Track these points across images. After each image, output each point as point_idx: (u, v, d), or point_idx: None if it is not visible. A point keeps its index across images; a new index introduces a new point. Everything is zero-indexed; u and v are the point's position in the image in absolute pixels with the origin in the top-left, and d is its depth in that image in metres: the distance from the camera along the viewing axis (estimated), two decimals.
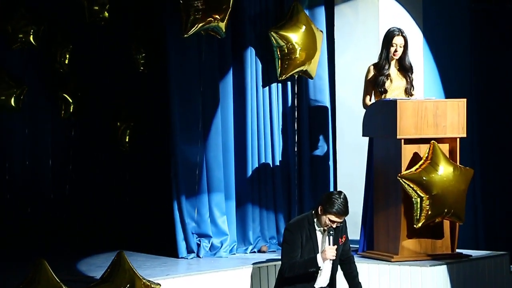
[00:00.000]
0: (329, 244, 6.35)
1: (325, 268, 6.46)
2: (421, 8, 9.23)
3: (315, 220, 6.44)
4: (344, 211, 6.35)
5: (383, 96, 8.03)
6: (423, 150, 7.63)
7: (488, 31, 10.08)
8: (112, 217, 10.02)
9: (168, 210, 8.36)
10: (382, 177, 7.82)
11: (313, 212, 6.48)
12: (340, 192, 6.42)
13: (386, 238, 7.73)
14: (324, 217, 6.36)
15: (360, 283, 6.72)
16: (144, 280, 6.47)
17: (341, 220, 6.39)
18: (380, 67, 8.02)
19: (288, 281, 6.48)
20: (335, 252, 6.37)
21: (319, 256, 6.34)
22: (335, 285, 6.59)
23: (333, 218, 6.36)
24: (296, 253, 6.39)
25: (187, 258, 8.18)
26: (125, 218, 10.04)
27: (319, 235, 6.46)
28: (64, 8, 9.82)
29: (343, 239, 6.53)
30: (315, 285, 6.49)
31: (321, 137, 9.11)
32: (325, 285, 6.52)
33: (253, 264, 7.71)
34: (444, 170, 7.48)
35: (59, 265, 6.58)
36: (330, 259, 6.36)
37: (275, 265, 7.73)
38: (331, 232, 6.37)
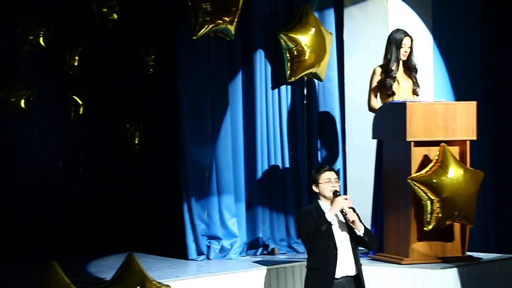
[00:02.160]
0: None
1: (345, 247, 6.40)
2: (431, 10, 9.21)
3: (320, 205, 6.47)
4: (324, 166, 6.64)
5: (390, 99, 8.03)
6: (433, 152, 7.61)
7: (499, 33, 10.06)
8: (122, 219, 10.02)
9: (178, 212, 8.36)
10: (392, 180, 7.81)
11: (316, 201, 6.52)
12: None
13: (396, 241, 7.72)
14: (322, 185, 6.46)
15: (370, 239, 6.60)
16: (154, 282, 6.48)
17: (334, 176, 6.48)
18: (389, 70, 8.02)
19: (312, 265, 6.47)
20: (347, 200, 6.37)
21: (327, 213, 6.37)
22: (362, 277, 6.53)
23: (328, 176, 6.47)
24: (308, 222, 6.41)
25: (197, 260, 8.18)
26: (135, 220, 10.05)
27: (328, 217, 6.44)
28: (74, 10, 9.85)
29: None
30: (337, 271, 6.40)
31: (330, 139, 9.10)
32: (350, 273, 6.45)
33: (263, 266, 7.70)
34: (454, 173, 7.47)
35: (69, 267, 6.57)
36: (344, 210, 6.34)
37: (284, 267, 7.72)
38: (337, 193, 6.42)
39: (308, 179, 8.77)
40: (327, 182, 6.45)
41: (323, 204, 6.46)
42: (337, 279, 6.40)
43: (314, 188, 6.52)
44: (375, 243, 6.64)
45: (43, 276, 6.19)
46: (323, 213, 6.41)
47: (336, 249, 6.37)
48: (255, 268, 7.64)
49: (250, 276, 7.54)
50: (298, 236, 6.70)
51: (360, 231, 6.42)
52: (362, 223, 6.47)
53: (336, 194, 6.41)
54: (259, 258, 8.30)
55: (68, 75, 9.97)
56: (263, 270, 7.61)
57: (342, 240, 6.41)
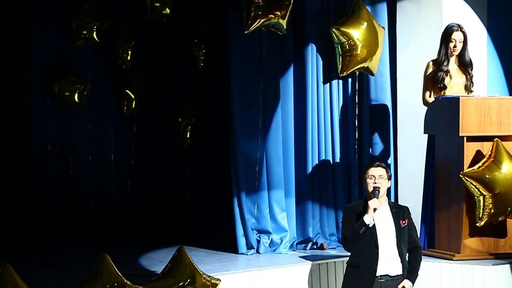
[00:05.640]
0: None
1: (388, 246, 6.37)
2: (486, 3, 9.10)
3: (367, 200, 6.46)
4: (374, 162, 6.63)
5: (442, 93, 7.97)
6: (486, 148, 7.54)
7: None
8: (173, 213, 10.09)
9: (228, 206, 8.40)
10: (444, 175, 7.75)
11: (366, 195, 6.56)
12: None
13: (447, 237, 7.66)
14: (366, 181, 6.50)
15: (415, 269, 6.58)
16: (204, 275, 6.52)
17: (378, 172, 6.47)
18: (439, 64, 7.98)
19: (353, 263, 6.46)
20: (378, 202, 6.38)
21: (365, 216, 6.37)
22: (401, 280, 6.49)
23: (371, 172, 6.49)
24: (349, 225, 6.45)
25: (246, 254, 8.21)
26: (185, 214, 10.11)
27: (366, 220, 6.41)
28: (127, 5, 9.93)
29: (406, 222, 6.49)
30: (378, 270, 6.37)
31: (381, 134, 9.05)
32: (391, 273, 6.41)
33: (312, 261, 7.70)
34: (508, 168, 7.39)
35: (121, 259, 6.65)
36: (374, 208, 6.35)
37: (334, 262, 7.72)
38: (377, 190, 6.44)
39: (360, 175, 8.77)
40: (370, 178, 6.47)
41: (369, 199, 6.46)
42: (376, 277, 6.37)
43: (364, 183, 6.58)
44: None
45: (95, 268, 6.26)
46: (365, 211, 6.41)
47: (377, 247, 6.35)
48: (304, 263, 7.65)
49: (299, 270, 7.55)
50: None
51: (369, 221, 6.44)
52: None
53: (375, 190, 6.40)
54: (308, 253, 8.30)
55: (121, 69, 10.05)
56: (312, 264, 7.61)
57: (385, 238, 6.38)
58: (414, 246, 6.62)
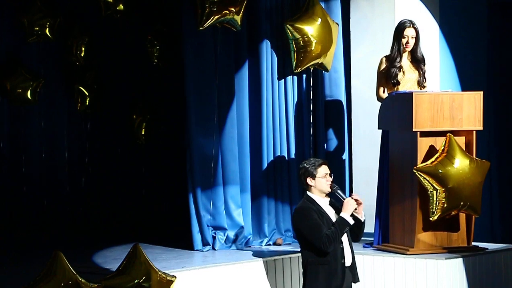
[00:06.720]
0: (344, 199, 6.36)
1: (346, 239, 6.43)
2: (438, 1, 9.19)
3: (314, 199, 6.43)
4: (319, 160, 6.54)
5: (395, 88, 8.02)
6: (439, 143, 7.60)
7: (506, 24, 10.03)
8: (128, 210, 10.05)
9: (184, 203, 8.38)
10: (398, 170, 7.80)
11: (306, 194, 6.47)
12: (304, 161, 6.60)
13: (401, 231, 7.72)
14: (319, 179, 6.41)
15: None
16: (159, 273, 6.49)
17: (329, 170, 6.44)
18: (392, 60, 8.02)
19: (320, 261, 6.43)
20: (354, 201, 6.39)
21: (343, 214, 6.34)
22: (356, 267, 6.55)
23: (325, 170, 6.44)
24: (321, 225, 6.35)
25: (202, 251, 8.20)
26: (141, 211, 10.08)
27: (326, 209, 6.44)
28: (80, 1, 9.86)
29: None
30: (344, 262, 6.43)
31: (336, 130, 9.09)
32: (348, 264, 6.46)
33: (268, 256, 7.72)
34: (460, 163, 7.46)
35: (75, 257, 6.59)
36: (355, 209, 6.35)
37: (290, 257, 7.73)
38: (335, 188, 6.40)
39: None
40: (325, 176, 6.42)
41: (316, 197, 6.43)
42: (346, 269, 6.41)
43: (309, 181, 6.45)
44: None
45: (49, 266, 6.20)
46: (322, 209, 6.41)
47: (341, 242, 6.39)
48: (259, 259, 7.66)
49: (254, 266, 7.55)
50: (297, 236, 6.64)
51: (363, 217, 6.46)
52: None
53: (335, 189, 6.40)
54: (264, 249, 8.31)
55: (74, 66, 9.98)
56: (267, 260, 7.62)
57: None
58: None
